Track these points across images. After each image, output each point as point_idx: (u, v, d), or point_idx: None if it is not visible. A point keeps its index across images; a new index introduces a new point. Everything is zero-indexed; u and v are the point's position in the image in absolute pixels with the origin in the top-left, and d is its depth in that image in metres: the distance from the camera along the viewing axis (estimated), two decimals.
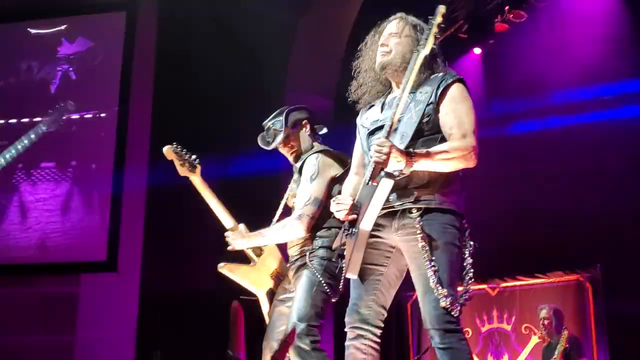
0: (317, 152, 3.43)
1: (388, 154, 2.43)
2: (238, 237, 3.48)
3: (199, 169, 3.66)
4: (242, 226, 3.57)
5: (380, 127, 2.70)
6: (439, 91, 2.63)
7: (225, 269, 3.57)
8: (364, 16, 6.95)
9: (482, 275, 6.47)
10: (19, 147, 6.41)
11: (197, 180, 3.64)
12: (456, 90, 2.66)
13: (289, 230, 3.31)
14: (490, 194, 6.30)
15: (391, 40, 2.76)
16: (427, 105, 2.61)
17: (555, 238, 6.13)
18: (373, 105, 2.85)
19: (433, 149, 2.55)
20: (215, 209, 3.62)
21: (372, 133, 2.75)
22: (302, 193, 3.35)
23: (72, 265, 6.66)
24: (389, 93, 2.84)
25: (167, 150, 3.65)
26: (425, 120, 2.62)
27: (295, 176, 3.51)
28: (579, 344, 5.83)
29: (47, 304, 6.59)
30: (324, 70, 6.90)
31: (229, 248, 3.51)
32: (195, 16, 6.56)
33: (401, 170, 2.48)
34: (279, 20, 6.89)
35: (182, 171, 3.65)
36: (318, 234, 3.30)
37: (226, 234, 3.53)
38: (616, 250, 5.82)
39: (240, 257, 3.63)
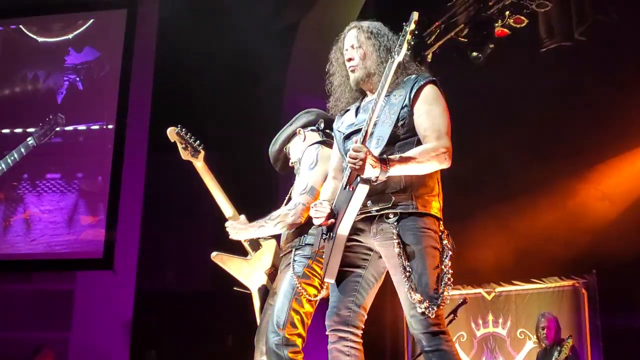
0: (317, 142, 3.41)
1: (363, 160, 2.43)
2: (237, 227, 3.42)
3: (202, 154, 3.63)
4: (242, 217, 3.53)
5: (355, 132, 2.72)
6: (412, 93, 2.64)
7: (217, 259, 3.54)
8: (364, 16, 6.95)
9: (477, 279, 6.49)
10: (9, 161, 6.39)
11: (199, 165, 3.62)
12: (429, 91, 2.66)
13: (283, 219, 3.27)
14: (487, 198, 6.31)
15: (354, 53, 2.78)
16: (402, 108, 2.62)
17: (551, 243, 6.13)
18: (348, 110, 2.87)
19: (407, 154, 2.55)
20: (217, 196, 3.58)
21: (347, 137, 2.76)
22: (300, 181, 3.35)
23: (69, 262, 6.67)
24: (364, 98, 2.85)
25: (171, 132, 3.63)
26: (400, 123, 2.62)
27: (297, 171, 3.49)
28: (573, 349, 5.83)
29: (42, 301, 6.60)
30: (324, 72, 6.90)
31: (230, 237, 3.45)
32: (195, 17, 6.57)
33: (377, 177, 2.49)
34: (280, 20, 6.90)
35: (185, 155, 3.63)
36: (306, 229, 3.27)
37: (226, 223, 3.47)
38: (612, 256, 5.82)
39: (237, 249, 3.59)
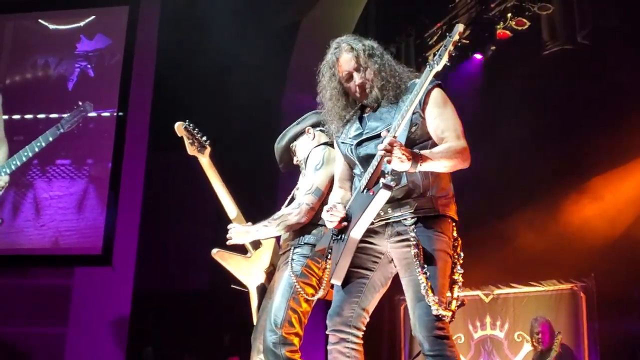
0: (323, 144, 3.39)
1: (396, 152, 2.41)
2: (240, 230, 3.40)
3: (208, 150, 3.63)
4: (249, 224, 3.50)
5: (368, 139, 2.71)
6: (422, 99, 2.64)
7: (218, 256, 3.54)
8: (366, 16, 6.95)
9: (476, 281, 6.49)
10: (35, 146, 6.42)
11: (205, 161, 3.61)
12: (438, 94, 2.68)
13: (286, 218, 3.26)
14: (486, 201, 6.30)
15: (362, 76, 2.75)
16: (413, 113, 2.61)
17: (550, 246, 6.13)
18: (348, 122, 2.85)
19: (435, 150, 2.57)
20: (221, 196, 3.57)
21: (359, 144, 2.74)
22: (305, 182, 3.33)
23: (67, 257, 6.67)
24: (361, 107, 2.84)
25: (178, 127, 3.63)
26: (413, 129, 2.63)
27: (303, 170, 3.48)
28: (570, 352, 5.83)
29: (40, 296, 6.59)
30: None
31: (228, 242, 3.43)
32: (196, 14, 6.57)
33: (406, 171, 2.48)
34: (281, 19, 6.89)
35: (191, 150, 3.63)
36: (307, 229, 3.27)
37: (229, 226, 3.45)
38: (610, 260, 5.82)
39: (238, 247, 3.57)
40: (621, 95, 5.80)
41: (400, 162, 2.43)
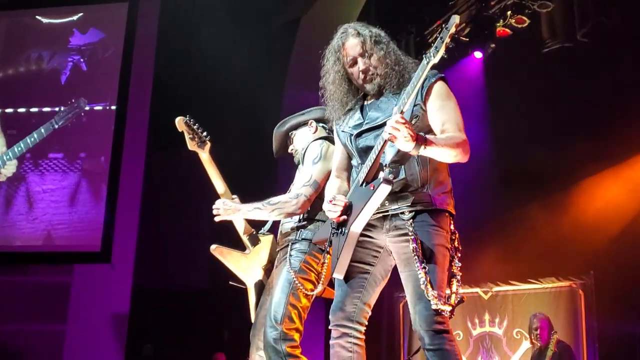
0: (321, 138, 3.39)
1: (403, 129, 2.39)
2: (228, 206, 3.36)
3: (208, 145, 3.61)
4: (235, 198, 3.49)
5: (368, 130, 2.70)
6: (424, 91, 2.64)
7: (217, 252, 3.53)
8: (366, 13, 6.96)
9: (475, 278, 6.50)
10: (29, 141, 6.43)
11: (205, 157, 3.59)
12: (440, 87, 2.67)
13: (283, 206, 3.25)
14: (486, 198, 6.31)
15: (366, 62, 2.74)
16: (414, 105, 2.61)
17: (549, 244, 6.14)
18: (349, 110, 2.84)
19: (439, 136, 2.56)
20: (216, 183, 3.54)
21: (359, 135, 2.73)
22: (302, 174, 3.33)
23: (66, 255, 6.67)
24: (363, 96, 2.83)
25: (179, 122, 3.61)
26: (414, 121, 2.62)
27: (300, 166, 3.47)
28: (569, 350, 5.84)
29: (39, 293, 6.59)
30: None
31: (216, 219, 3.38)
32: (196, 12, 6.57)
33: (408, 152, 2.47)
34: (282, 17, 6.89)
35: (191, 145, 3.61)
36: (304, 224, 3.27)
37: (217, 201, 3.40)
38: (609, 258, 5.83)
39: (236, 244, 3.58)
40: (621, 94, 5.80)
41: (405, 141, 2.41)
